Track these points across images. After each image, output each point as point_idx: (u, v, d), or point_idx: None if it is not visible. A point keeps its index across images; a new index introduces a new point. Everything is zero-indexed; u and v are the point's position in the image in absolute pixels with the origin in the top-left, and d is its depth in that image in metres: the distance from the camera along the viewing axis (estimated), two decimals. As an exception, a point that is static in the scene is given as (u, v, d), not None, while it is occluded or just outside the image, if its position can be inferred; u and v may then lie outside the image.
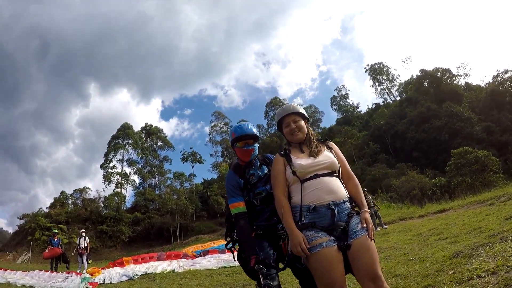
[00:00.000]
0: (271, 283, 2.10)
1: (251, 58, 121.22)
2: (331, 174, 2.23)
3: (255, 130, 2.69)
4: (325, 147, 2.40)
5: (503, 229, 4.90)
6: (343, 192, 2.21)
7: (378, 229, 12.36)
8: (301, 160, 2.27)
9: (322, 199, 2.14)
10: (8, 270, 12.26)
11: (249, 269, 2.28)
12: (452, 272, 3.55)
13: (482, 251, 3.96)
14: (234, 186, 2.59)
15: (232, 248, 2.73)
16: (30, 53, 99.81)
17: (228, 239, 2.74)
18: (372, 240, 2.07)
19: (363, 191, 14.67)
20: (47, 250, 14.22)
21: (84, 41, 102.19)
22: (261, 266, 2.17)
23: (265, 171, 2.65)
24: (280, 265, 2.40)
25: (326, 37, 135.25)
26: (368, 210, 2.23)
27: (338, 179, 2.25)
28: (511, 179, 24.30)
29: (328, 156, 2.30)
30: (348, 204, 2.20)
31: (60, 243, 14.79)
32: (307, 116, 2.51)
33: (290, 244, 2.13)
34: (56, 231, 16.88)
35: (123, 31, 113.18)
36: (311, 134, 2.45)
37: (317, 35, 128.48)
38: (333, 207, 2.12)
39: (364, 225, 2.09)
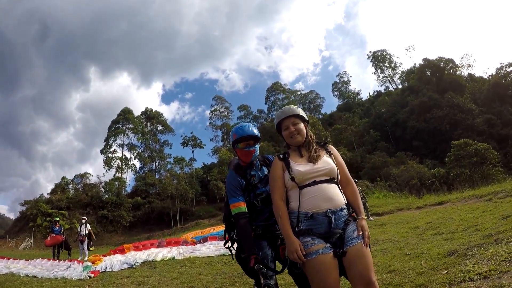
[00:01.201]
0: (271, 283, 2.15)
1: (253, 42, 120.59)
2: (329, 180, 2.23)
3: (256, 131, 2.69)
4: (325, 151, 2.39)
5: (499, 229, 4.95)
6: (341, 200, 2.22)
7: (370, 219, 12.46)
8: (300, 166, 2.26)
9: (320, 207, 2.15)
10: (11, 259, 12.30)
11: (249, 268, 2.32)
12: (445, 272, 3.62)
13: (476, 252, 4.02)
14: (236, 186, 2.60)
15: (231, 247, 2.76)
16: (30, 38, 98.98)
17: (226, 238, 2.78)
18: (368, 247, 2.11)
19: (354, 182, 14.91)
20: (49, 238, 14.38)
21: (84, 24, 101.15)
22: (261, 266, 2.21)
23: (265, 172, 2.67)
24: (278, 268, 2.46)
25: (329, 22, 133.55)
26: (365, 217, 2.26)
27: (336, 186, 2.25)
28: (510, 173, 24.42)
29: (327, 162, 2.29)
30: (345, 211, 2.21)
31: (62, 230, 14.95)
32: (307, 119, 2.49)
33: (286, 250, 2.16)
34: (57, 218, 17.05)
35: (123, 14, 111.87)
36: (311, 137, 2.43)
37: (320, 20, 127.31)
38: (330, 215, 2.14)
39: (360, 233, 2.12)
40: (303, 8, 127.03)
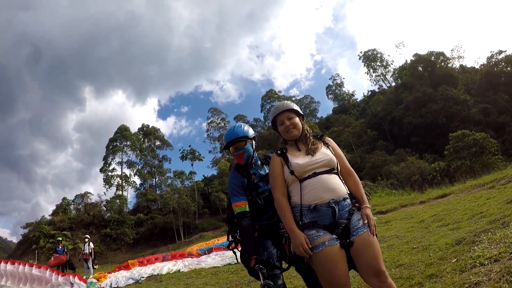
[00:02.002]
0: (271, 283, 2.10)
1: (244, 51, 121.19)
2: (329, 171, 2.21)
3: (242, 131, 2.64)
4: (322, 144, 2.36)
5: (504, 213, 4.91)
6: (343, 189, 2.19)
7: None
8: (298, 159, 2.24)
9: (322, 198, 2.12)
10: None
11: (249, 269, 2.29)
12: (455, 260, 3.57)
13: (484, 238, 3.97)
14: (238, 185, 2.58)
15: (235, 249, 2.72)
16: (22, 62, 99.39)
17: (230, 240, 2.74)
18: (374, 236, 2.07)
19: None
20: (52, 258, 14.25)
21: (75, 44, 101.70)
22: (261, 266, 2.17)
23: (267, 171, 2.64)
24: (284, 265, 2.41)
25: (319, 25, 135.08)
26: (369, 205, 2.22)
27: (337, 176, 2.22)
28: (510, 160, 24.42)
29: (326, 153, 2.27)
30: (348, 201, 2.18)
31: (65, 250, 14.83)
32: (302, 113, 2.47)
33: (292, 245, 2.12)
34: (60, 238, 16.91)
35: (113, 32, 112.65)
36: (307, 130, 2.41)
37: (309, 24, 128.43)
38: (333, 205, 2.11)
39: (366, 221, 2.09)
40: (291, 14, 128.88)
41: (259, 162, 2.70)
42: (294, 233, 2.10)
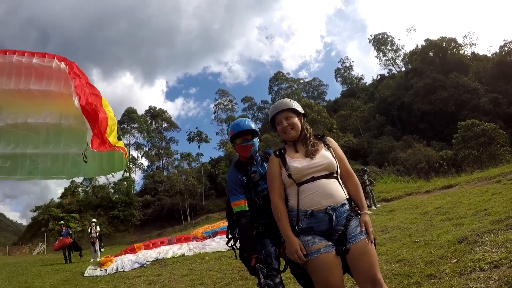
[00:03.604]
0: (271, 283, 2.13)
1: (253, 32, 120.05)
2: (329, 176, 2.15)
3: (253, 125, 2.65)
4: (323, 145, 2.30)
5: (509, 214, 4.88)
6: (342, 195, 2.14)
7: (373, 208, 12.34)
8: (296, 162, 2.18)
9: (319, 204, 2.08)
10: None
11: (250, 268, 2.31)
12: (455, 261, 3.56)
13: (487, 239, 3.96)
14: (236, 183, 2.57)
15: (234, 246, 2.75)
16: (30, 46, 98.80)
17: (229, 237, 2.77)
18: (372, 244, 2.05)
19: (363, 170, 14.58)
20: (57, 242, 14.68)
21: (83, 27, 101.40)
22: (261, 266, 2.20)
23: (267, 169, 2.62)
24: (283, 262, 2.43)
25: (329, 7, 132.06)
26: (368, 212, 2.19)
27: (336, 181, 2.17)
28: (518, 153, 24.15)
29: (326, 156, 2.20)
30: (347, 206, 2.14)
31: (70, 232, 15.21)
32: (302, 111, 2.40)
33: (287, 251, 2.11)
34: (62, 222, 17.39)
35: (122, 14, 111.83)
36: (307, 130, 2.34)
37: (320, 5, 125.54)
38: (330, 212, 2.07)
39: (363, 229, 2.06)
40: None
41: (260, 159, 2.69)
42: (289, 239, 2.08)
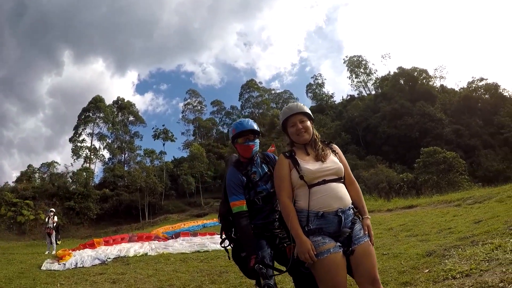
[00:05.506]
0: (271, 283, 2.16)
1: (232, 37, 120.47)
2: (337, 180, 2.24)
3: (255, 126, 2.66)
4: (330, 151, 2.39)
5: (473, 233, 5.12)
6: (349, 199, 2.25)
7: None
8: (309, 165, 2.25)
9: (331, 206, 2.16)
10: None
11: (249, 269, 2.30)
12: (427, 271, 3.76)
13: (454, 253, 4.17)
14: (237, 183, 2.55)
15: (227, 247, 2.71)
16: (4, 15, 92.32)
17: (223, 237, 2.72)
18: (372, 246, 2.21)
19: None
20: None
21: (62, 4, 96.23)
22: (261, 266, 2.21)
23: (265, 170, 2.64)
24: (280, 266, 2.45)
25: (311, 23, 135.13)
26: (369, 216, 2.32)
27: (343, 185, 2.27)
28: (475, 182, 25.85)
29: (335, 161, 2.30)
30: (352, 210, 2.25)
31: None
32: (313, 117, 2.48)
33: (297, 250, 2.15)
34: None
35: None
36: (316, 135, 2.42)
37: (302, 21, 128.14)
38: (340, 214, 2.16)
39: (366, 232, 2.21)
40: (285, 8, 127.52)
41: (259, 160, 2.70)
42: (301, 239, 2.12)
